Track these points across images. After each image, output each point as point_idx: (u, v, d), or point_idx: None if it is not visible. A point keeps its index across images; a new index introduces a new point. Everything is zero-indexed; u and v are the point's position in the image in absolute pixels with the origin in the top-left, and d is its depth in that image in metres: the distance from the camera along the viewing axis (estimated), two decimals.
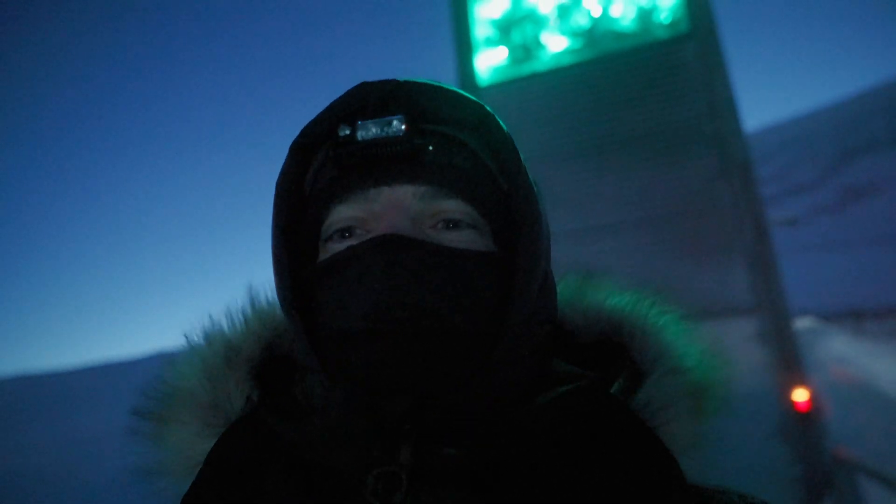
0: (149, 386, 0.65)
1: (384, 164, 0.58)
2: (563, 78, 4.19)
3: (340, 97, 0.61)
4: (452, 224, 0.58)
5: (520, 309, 0.56)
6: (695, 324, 0.67)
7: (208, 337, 0.67)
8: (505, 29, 4.41)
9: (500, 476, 0.51)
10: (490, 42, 4.41)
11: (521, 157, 0.62)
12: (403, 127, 0.57)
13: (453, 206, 0.58)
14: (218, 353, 0.65)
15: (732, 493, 0.59)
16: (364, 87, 0.60)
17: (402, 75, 0.62)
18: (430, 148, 0.59)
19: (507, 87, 4.31)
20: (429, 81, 0.62)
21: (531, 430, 0.53)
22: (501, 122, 0.63)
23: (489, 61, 4.38)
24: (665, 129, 3.93)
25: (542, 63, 4.28)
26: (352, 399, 0.53)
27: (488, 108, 0.62)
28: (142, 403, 0.65)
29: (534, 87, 4.25)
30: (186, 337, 0.67)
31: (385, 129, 0.57)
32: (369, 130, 0.57)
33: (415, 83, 0.61)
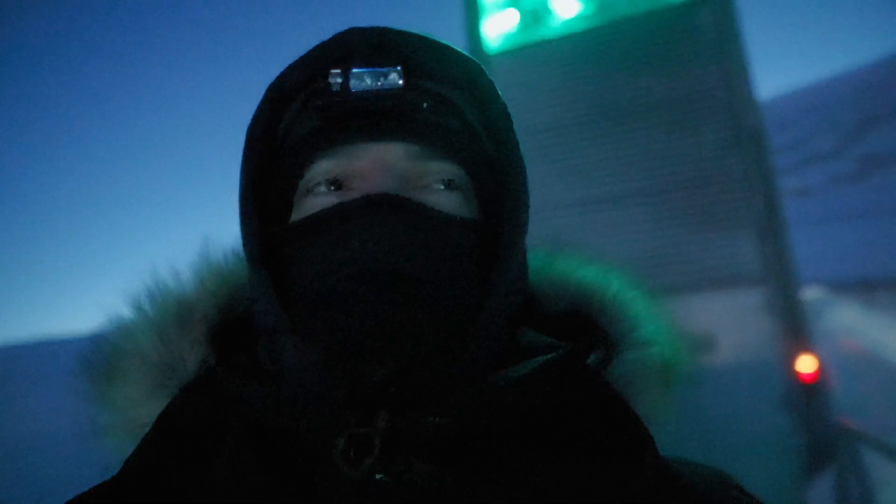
0: (92, 348, 0.61)
1: (374, 118, 0.54)
2: (574, 44, 4.12)
3: (326, 42, 0.57)
4: (440, 186, 0.56)
5: (503, 277, 0.55)
6: (660, 299, 0.67)
7: (157, 295, 0.62)
8: None
9: (479, 449, 0.50)
10: (499, 7, 4.32)
11: (512, 122, 0.60)
12: (401, 82, 0.54)
13: (442, 168, 0.56)
14: (169, 312, 0.60)
15: (699, 466, 0.59)
16: (352, 33, 0.57)
17: (392, 24, 0.58)
18: (425, 105, 0.56)
19: (516, 54, 4.24)
20: (420, 33, 0.58)
21: (510, 400, 0.52)
22: (494, 84, 0.60)
23: (498, 28, 4.30)
24: (677, 97, 3.87)
25: (551, 29, 4.20)
26: (331, 361, 0.50)
27: (482, 68, 0.60)
28: (85, 363, 0.61)
29: (543, 54, 4.18)
30: (131, 295, 0.62)
31: (380, 80, 0.54)
32: (363, 81, 0.54)
33: (407, 34, 0.57)
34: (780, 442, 3.34)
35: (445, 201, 0.56)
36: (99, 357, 0.61)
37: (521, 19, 4.27)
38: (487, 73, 0.60)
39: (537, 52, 4.20)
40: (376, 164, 0.54)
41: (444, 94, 0.58)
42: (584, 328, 0.62)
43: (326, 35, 0.58)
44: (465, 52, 0.59)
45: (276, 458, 0.51)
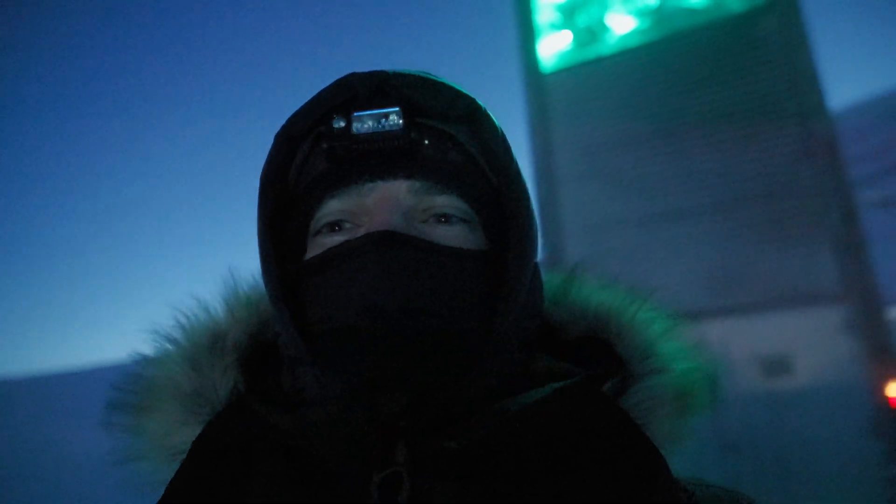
0: (124, 379, 0.64)
1: (379, 158, 0.57)
2: (631, 60, 4.07)
3: (328, 87, 0.60)
4: (444, 219, 0.58)
5: (511, 305, 0.56)
6: (681, 322, 0.66)
7: (188, 325, 0.65)
8: (569, 12, 4.31)
9: (495, 470, 0.52)
10: (554, 27, 4.32)
11: (512, 152, 0.62)
12: (401, 122, 0.56)
13: (446, 202, 0.58)
14: (201, 341, 0.64)
15: (716, 488, 0.59)
16: (353, 77, 0.60)
17: (391, 67, 0.61)
18: (426, 143, 0.59)
19: (573, 72, 4.22)
20: (419, 73, 0.61)
21: (525, 424, 0.53)
22: (492, 116, 0.62)
23: (553, 46, 4.30)
24: (742, 109, 3.75)
25: (608, 46, 4.17)
26: (351, 393, 0.53)
27: (479, 102, 0.62)
28: (117, 396, 0.64)
29: (600, 71, 4.15)
30: (163, 326, 0.66)
31: (382, 122, 0.56)
32: (365, 123, 0.57)
33: (406, 75, 0.60)
34: (868, 471, 3.13)
35: (450, 234, 0.58)
36: (133, 388, 0.64)
37: (576, 37, 4.26)
38: (485, 107, 0.62)
39: (594, 69, 4.18)
40: (382, 202, 0.57)
41: (445, 130, 0.60)
42: (601, 354, 0.62)
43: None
44: (462, 88, 0.62)
45: (305, 482, 0.53)
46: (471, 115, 0.61)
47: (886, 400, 3.15)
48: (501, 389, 0.55)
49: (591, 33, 4.21)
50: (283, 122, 0.63)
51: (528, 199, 0.61)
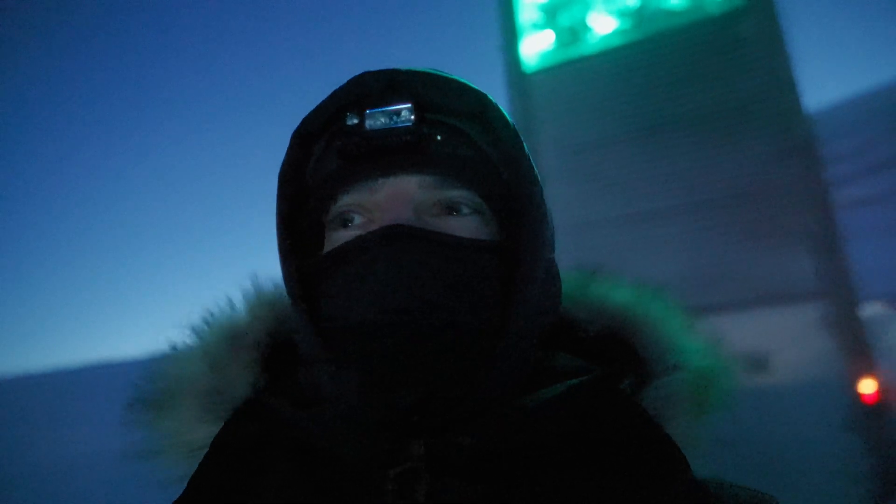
0: (144, 377, 0.65)
1: (390, 154, 0.58)
2: (613, 60, 4.09)
3: (342, 86, 0.61)
4: (455, 210, 0.58)
5: (523, 299, 0.56)
6: (702, 319, 0.66)
7: (209, 323, 0.67)
8: (551, 12, 4.33)
9: (512, 466, 0.52)
10: (536, 26, 4.34)
11: (525, 146, 0.62)
12: (412, 117, 0.57)
13: (458, 195, 0.58)
14: (220, 338, 0.65)
15: (736, 487, 0.59)
16: (366, 76, 0.60)
17: (403, 65, 0.62)
18: (438, 138, 0.59)
19: (555, 71, 4.24)
20: (429, 70, 0.62)
21: (542, 421, 0.53)
22: (504, 111, 0.62)
23: (536, 46, 4.31)
24: (721, 109, 3.79)
25: (589, 46, 4.19)
26: (365, 390, 0.53)
27: (490, 97, 0.62)
28: (137, 394, 0.65)
29: (582, 71, 4.17)
30: (186, 324, 0.67)
31: (394, 118, 0.57)
32: (377, 120, 0.57)
33: (417, 72, 0.60)
34: (846, 466, 3.18)
35: (462, 225, 0.58)
36: (150, 387, 0.65)
37: (558, 37, 4.28)
38: (495, 102, 0.62)
39: (576, 69, 4.20)
40: (393, 197, 0.57)
41: (456, 125, 0.61)
42: (619, 351, 0.62)
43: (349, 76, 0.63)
44: (472, 84, 0.62)
45: (322, 479, 0.54)
46: (482, 111, 0.61)
47: (861, 395, 3.20)
48: (517, 386, 0.56)
49: (573, 33, 4.23)
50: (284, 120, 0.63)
51: (540, 194, 0.61)
